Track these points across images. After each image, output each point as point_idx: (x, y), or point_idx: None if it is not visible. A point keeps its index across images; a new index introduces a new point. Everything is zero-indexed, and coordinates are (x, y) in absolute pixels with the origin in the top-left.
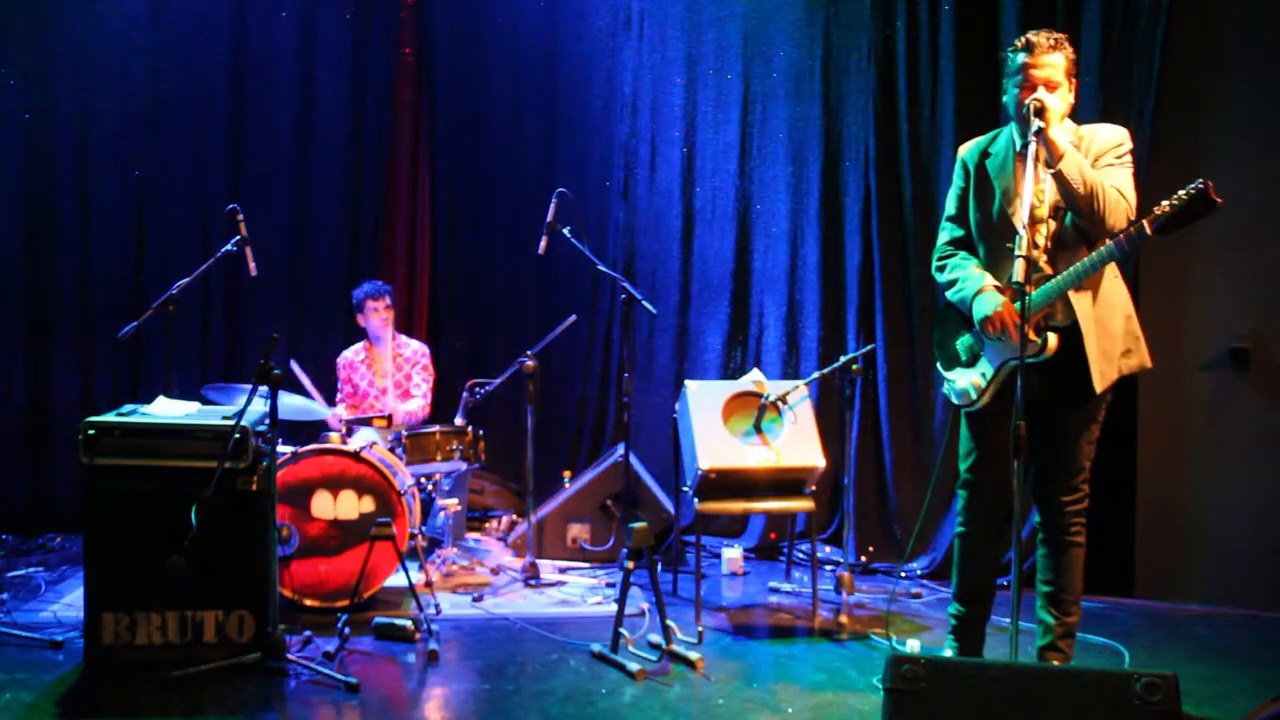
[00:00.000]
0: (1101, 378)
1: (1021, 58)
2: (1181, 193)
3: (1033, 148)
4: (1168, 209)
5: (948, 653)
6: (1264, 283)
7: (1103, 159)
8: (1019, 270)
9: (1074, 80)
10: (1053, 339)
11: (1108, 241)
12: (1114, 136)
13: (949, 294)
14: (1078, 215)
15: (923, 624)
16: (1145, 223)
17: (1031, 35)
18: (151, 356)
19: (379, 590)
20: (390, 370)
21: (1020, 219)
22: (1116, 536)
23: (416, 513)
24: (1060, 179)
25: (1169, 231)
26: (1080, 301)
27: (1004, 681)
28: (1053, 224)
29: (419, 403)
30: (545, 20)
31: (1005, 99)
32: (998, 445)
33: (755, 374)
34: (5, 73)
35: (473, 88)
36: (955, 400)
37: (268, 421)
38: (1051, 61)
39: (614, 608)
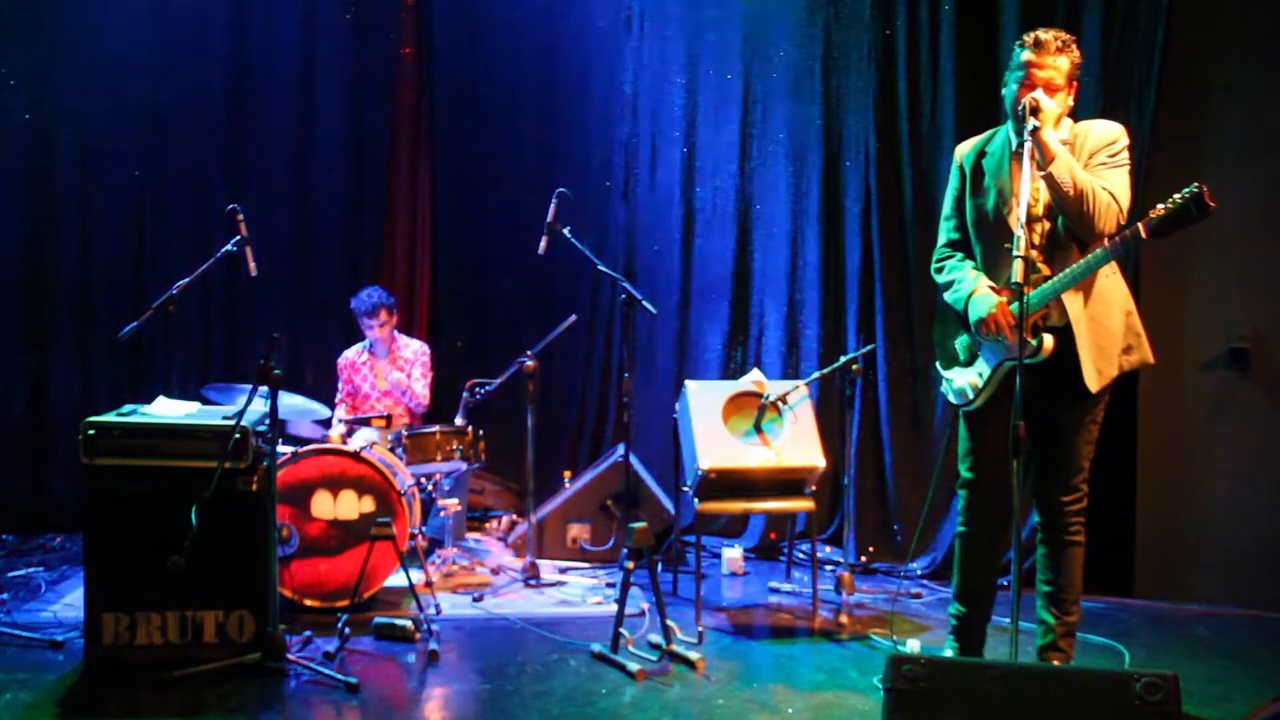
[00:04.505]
0: (1099, 376)
1: (1026, 55)
2: (1176, 196)
3: (1028, 147)
4: (1162, 212)
5: (948, 653)
6: (1264, 283)
7: (1096, 157)
8: (1017, 271)
9: (1075, 85)
10: (1048, 340)
11: (1104, 243)
12: (1108, 134)
13: (946, 296)
14: (1067, 218)
15: (923, 624)
16: (1140, 225)
17: (1041, 33)
18: (151, 356)
19: (379, 590)
20: (391, 372)
21: (1017, 219)
22: (1116, 536)
23: (416, 513)
24: (1050, 181)
25: (1163, 235)
26: (1073, 302)
27: (1004, 681)
28: (1047, 224)
29: (420, 385)
30: (545, 20)
31: (1004, 92)
32: (996, 445)
33: (755, 374)
34: (5, 73)
35: (473, 88)
36: (953, 399)
37: (268, 421)
38: (1056, 64)
39: (614, 608)
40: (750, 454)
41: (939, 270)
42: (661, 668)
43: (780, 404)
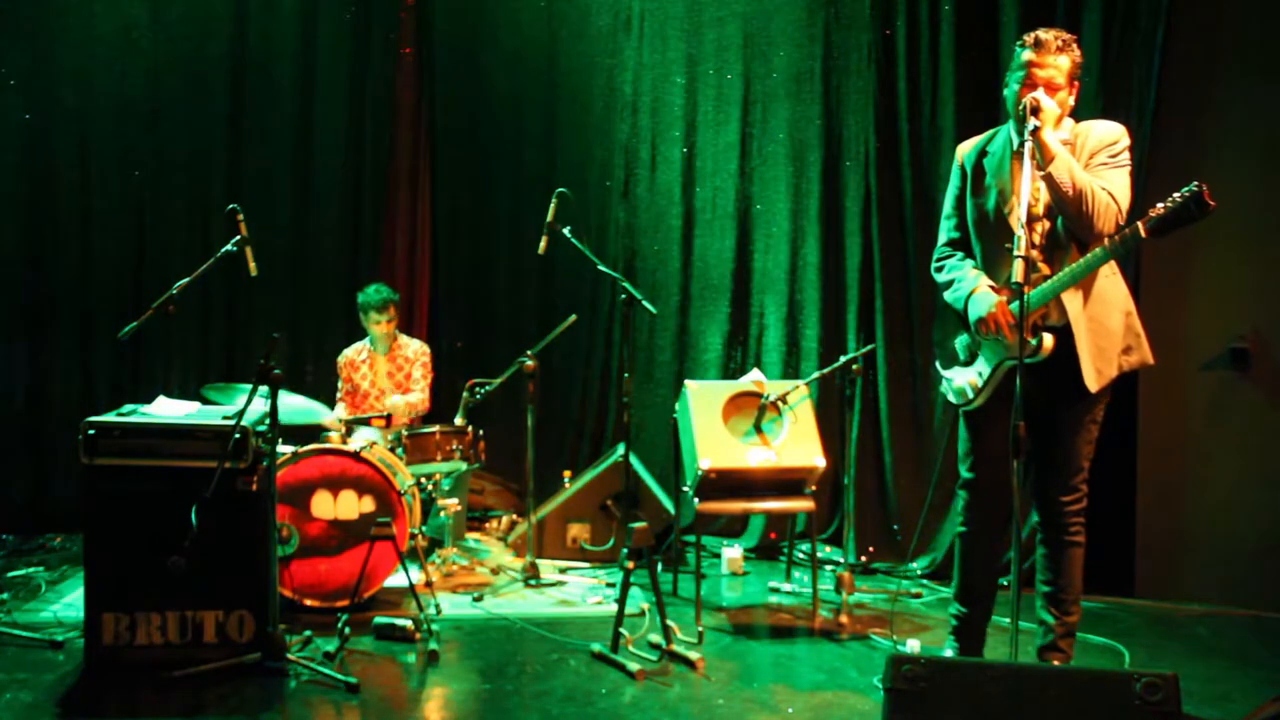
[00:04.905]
0: (1098, 376)
1: (1027, 54)
2: (1176, 195)
3: (1029, 146)
4: (1162, 211)
5: (948, 653)
6: (1264, 283)
7: (1096, 158)
8: (1018, 270)
9: (1076, 84)
10: (1048, 339)
11: (1103, 242)
12: (1108, 134)
13: (946, 295)
14: (1066, 218)
15: (923, 624)
16: (1140, 224)
17: (1042, 33)
18: (151, 356)
19: (379, 590)
20: (391, 370)
21: (1018, 219)
22: (1116, 536)
23: (416, 513)
24: (1049, 181)
25: (1163, 234)
26: (1072, 301)
27: (1004, 681)
28: (1047, 223)
29: (418, 396)
30: (545, 20)
31: (1005, 92)
32: (996, 445)
33: (755, 374)
34: (5, 73)
35: (473, 88)
36: (953, 399)
37: (268, 421)
38: (1057, 63)
39: (614, 608)
40: (750, 454)
41: (939, 269)
42: (661, 668)
43: (780, 404)
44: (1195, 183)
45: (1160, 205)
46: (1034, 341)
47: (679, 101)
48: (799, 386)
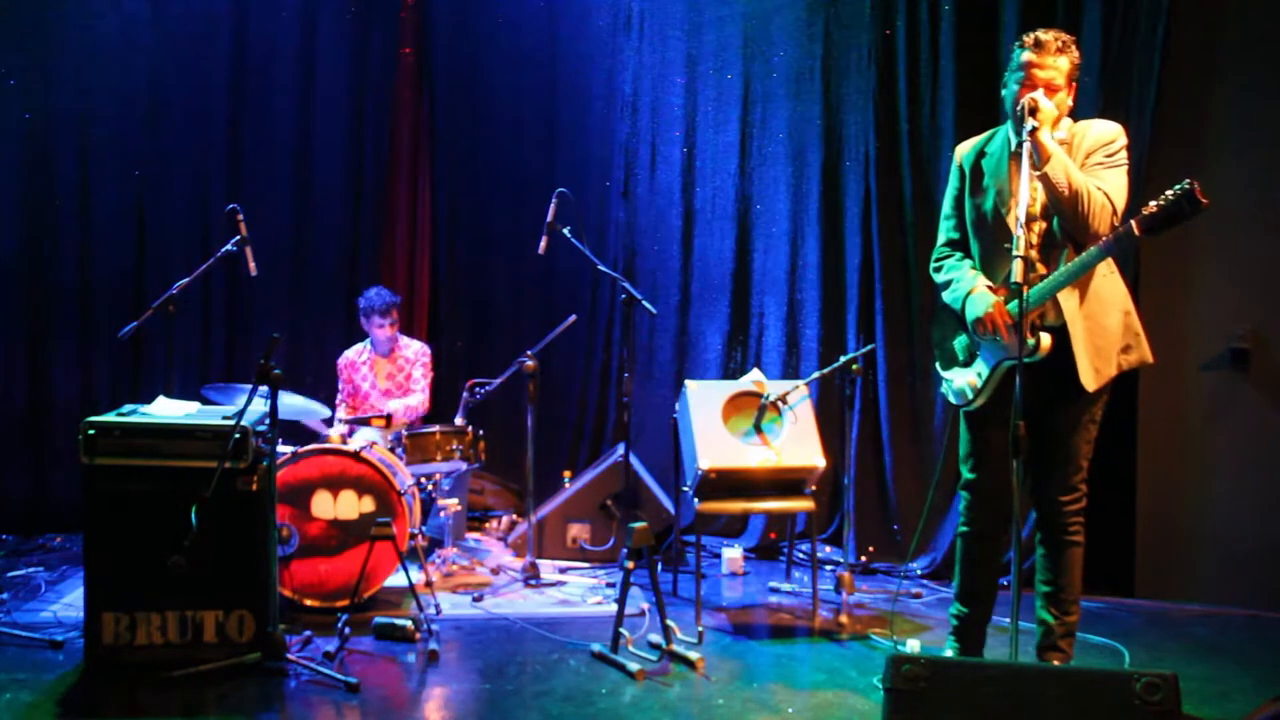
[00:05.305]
0: (1096, 375)
1: (1026, 55)
2: (1169, 193)
3: (1027, 147)
4: (1155, 209)
5: (948, 653)
6: (1264, 283)
7: (1092, 158)
8: (1018, 270)
9: (1074, 85)
10: (1045, 339)
11: (1098, 240)
12: (1105, 134)
13: (944, 295)
14: (1062, 218)
15: (923, 624)
16: (1134, 223)
17: (1041, 34)
18: (151, 356)
19: (379, 590)
20: (392, 371)
21: (1016, 219)
22: (1116, 536)
23: (416, 513)
24: (1045, 181)
25: (1157, 232)
26: (1068, 301)
27: (1004, 681)
28: (1044, 224)
29: (419, 398)
30: (545, 20)
31: (1004, 93)
32: (996, 445)
33: (755, 374)
34: (5, 73)
35: (473, 88)
36: (953, 400)
37: (268, 421)
38: (1057, 64)
39: (614, 608)
40: (750, 454)
41: (938, 269)
42: (661, 668)
43: (780, 404)
44: (1187, 180)
45: (1153, 203)
46: (1031, 342)
47: (679, 101)
48: (799, 386)
